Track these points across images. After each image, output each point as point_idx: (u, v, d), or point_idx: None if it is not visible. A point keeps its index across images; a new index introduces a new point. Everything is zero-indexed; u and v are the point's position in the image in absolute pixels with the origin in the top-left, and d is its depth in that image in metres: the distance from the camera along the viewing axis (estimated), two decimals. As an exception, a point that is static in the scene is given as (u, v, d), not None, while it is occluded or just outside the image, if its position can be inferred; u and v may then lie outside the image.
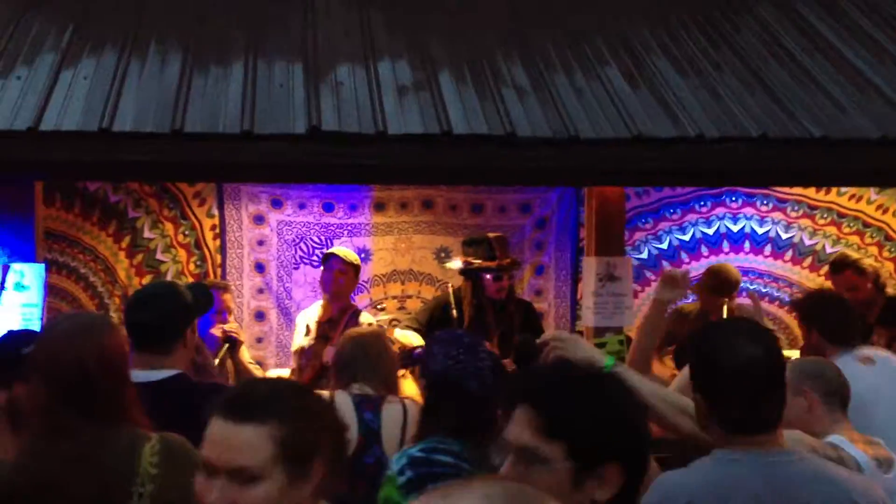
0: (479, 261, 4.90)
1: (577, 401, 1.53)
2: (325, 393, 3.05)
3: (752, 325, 2.17)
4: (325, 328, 4.86)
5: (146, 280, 5.42)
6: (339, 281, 4.90)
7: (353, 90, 4.22)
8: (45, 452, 2.16)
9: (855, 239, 5.99)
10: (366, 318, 4.90)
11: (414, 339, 4.60)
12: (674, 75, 4.54)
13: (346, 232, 5.75)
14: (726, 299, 4.77)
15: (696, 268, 6.01)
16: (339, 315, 4.87)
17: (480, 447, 2.41)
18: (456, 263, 5.07)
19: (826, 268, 5.98)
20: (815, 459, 2.12)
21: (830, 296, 4.15)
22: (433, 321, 4.86)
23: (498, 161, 4.04)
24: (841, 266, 4.97)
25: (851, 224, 6.02)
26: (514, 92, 4.32)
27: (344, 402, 3.02)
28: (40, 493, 2.10)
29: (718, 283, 4.96)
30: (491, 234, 5.07)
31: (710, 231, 6.04)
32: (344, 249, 5.14)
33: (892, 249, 6.02)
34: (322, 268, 5.06)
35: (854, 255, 5.19)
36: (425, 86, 4.30)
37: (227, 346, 4.47)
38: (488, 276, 4.88)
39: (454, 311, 4.93)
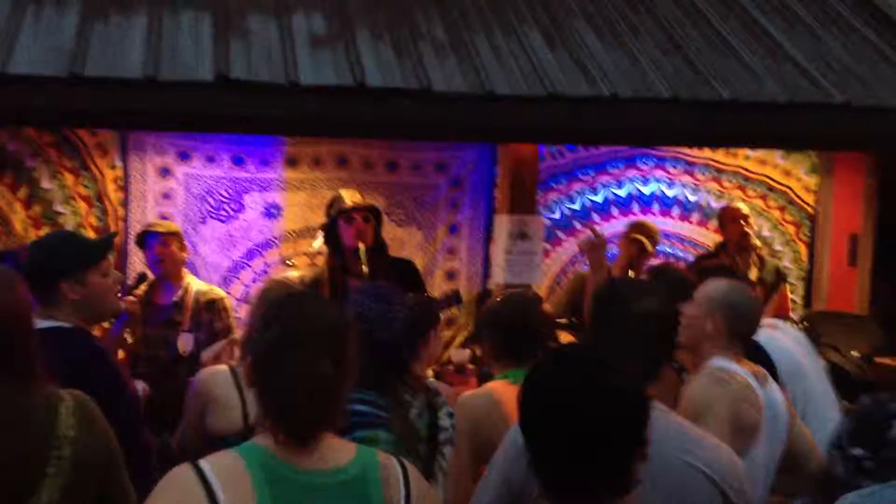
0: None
1: None
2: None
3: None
4: (172, 313, 4.57)
5: (43, 232, 5.19)
6: (166, 256, 4.56)
7: (265, 40, 4.09)
8: None
9: (759, 203, 6.15)
10: (218, 292, 4.71)
11: None
12: (592, 37, 4.54)
13: (256, 187, 5.61)
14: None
15: (607, 228, 6.09)
16: (182, 295, 4.59)
17: (395, 393, 2.48)
18: (318, 241, 4.68)
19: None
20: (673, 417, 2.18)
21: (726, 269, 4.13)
22: None
23: (412, 116, 3.99)
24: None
25: (757, 188, 6.17)
26: (431, 48, 4.25)
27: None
28: None
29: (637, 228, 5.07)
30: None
31: (622, 193, 6.11)
32: (159, 221, 4.86)
33: (794, 213, 6.20)
34: (142, 250, 4.71)
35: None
36: (340, 38, 4.20)
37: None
38: (343, 225, 4.38)
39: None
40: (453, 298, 4.92)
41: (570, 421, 1.54)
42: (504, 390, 2.75)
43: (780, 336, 3.54)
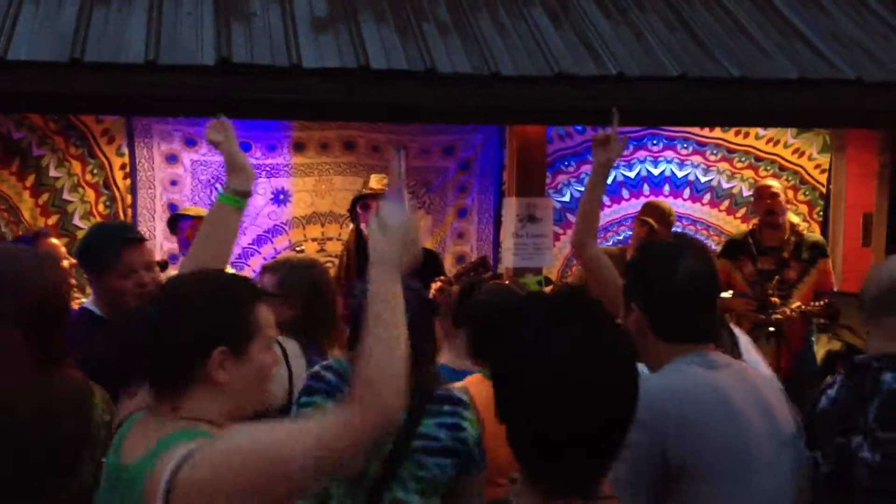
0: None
1: None
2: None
3: (689, 243, 2.18)
4: None
5: (52, 220, 5.19)
6: None
7: (267, 22, 4.05)
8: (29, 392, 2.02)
9: (771, 182, 6.07)
10: None
11: None
12: (598, 15, 4.48)
13: (264, 173, 5.59)
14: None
15: (617, 210, 6.04)
16: None
17: None
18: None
19: (743, 211, 6.08)
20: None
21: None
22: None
23: (417, 98, 3.94)
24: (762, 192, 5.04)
25: (768, 167, 6.10)
26: (435, 28, 4.20)
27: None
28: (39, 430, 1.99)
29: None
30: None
31: (632, 174, 6.06)
32: (194, 207, 4.86)
33: (807, 192, 6.13)
34: (174, 233, 4.72)
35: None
36: (342, 21, 4.15)
37: None
38: (360, 210, 4.55)
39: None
40: (480, 266, 4.90)
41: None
42: (482, 386, 2.53)
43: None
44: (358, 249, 4.55)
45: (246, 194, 2.27)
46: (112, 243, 2.73)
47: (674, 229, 5.64)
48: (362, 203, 4.53)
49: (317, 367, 2.44)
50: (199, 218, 4.63)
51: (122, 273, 2.71)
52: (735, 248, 4.96)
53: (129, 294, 2.71)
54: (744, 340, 2.73)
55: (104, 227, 3.40)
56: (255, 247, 5.61)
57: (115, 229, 3.14)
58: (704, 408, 1.95)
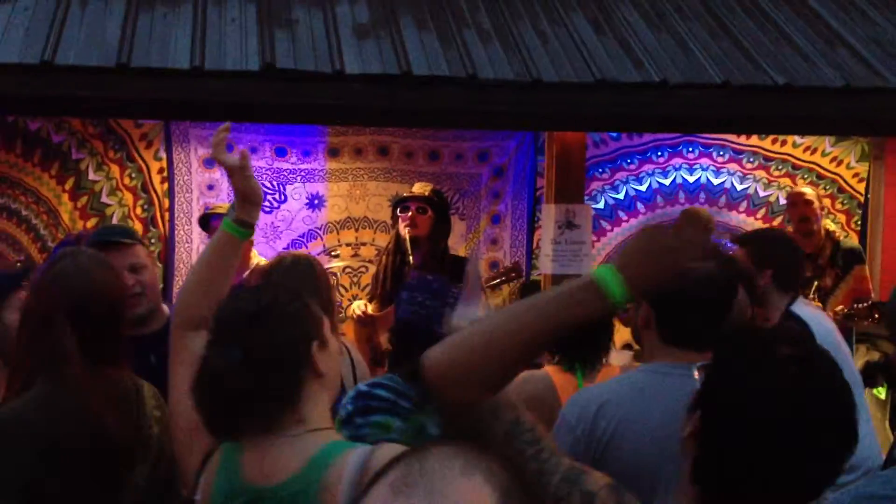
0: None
1: None
2: None
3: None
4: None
5: (91, 223, 5.23)
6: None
7: (309, 28, 4.07)
8: (83, 390, 2.05)
9: (805, 189, 6.02)
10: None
11: None
12: (639, 22, 4.46)
13: (299, 178, 5.61)
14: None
15: (652, 218, 6.00)
16: (248, 276, 4.40)
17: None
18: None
19: (779, 219, 6.03)
20: None
21: (784, 237, 3.83)
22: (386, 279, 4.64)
23: (459, 104, 3.95)
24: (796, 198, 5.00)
25: (805, 176, 6.05)
26: (476, 35, 4.21)
27: None
28: (85, 433, 2.03)
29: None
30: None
31: (667, 182, 6.02)
32: (225, 204, 4.73)
33: (845, 202, 6.07)
34: (206, 231, 4.71)
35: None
36: (384, 26, 4.17)
37: None
38: (399, 214, 4.55)
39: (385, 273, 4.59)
40: (512, 272, 4.90)
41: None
42: (559, 376, 2.73)
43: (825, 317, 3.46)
44: (396, 252, 4.56)
45: (250, 226, 2.08)
46: (92, 246, 2.67)
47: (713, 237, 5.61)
48: (402, 206, 4.56)
49: (365, 387, 2.42)
50: None
51: None
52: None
53: None
54: None
55: (87, 233, 3.41)
56: (290, 251, 5.63)
57: (98, 232, 3.15)
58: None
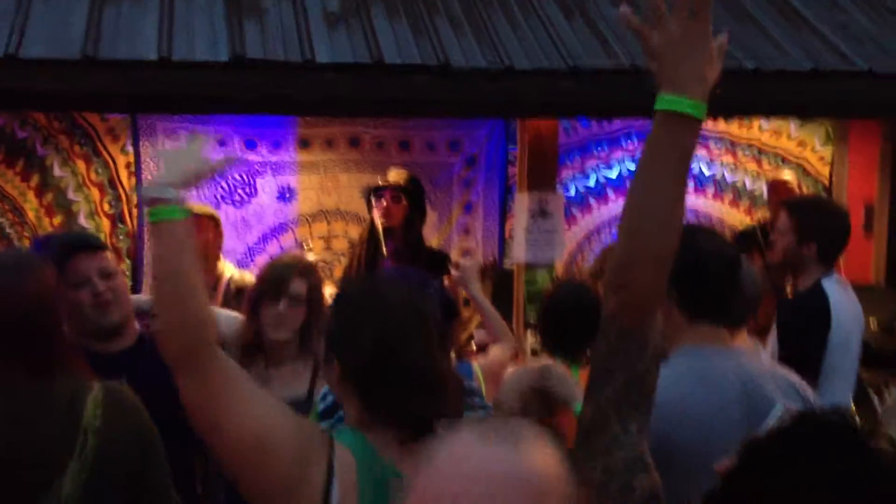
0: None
1: None
2: None
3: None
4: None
5: (56, 220, 5.14)
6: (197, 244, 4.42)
7: (279, 18, 4.03)
8: None
9: (787, 178, 6.09)
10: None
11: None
12: (610, 8, 4.47)
13: (269, 170, 5.55)
14: None
15: (613, 210, 6.03)
16: (213, 284, 4.40)
17: None
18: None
19: (746, 204, 6.10)
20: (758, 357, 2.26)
21: (833, 209, 3.68)
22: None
23: (431, 92, 3.93)
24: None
25: (772, 160, 6.11)
26: (447, 23, 4.19)
27: None
28: None
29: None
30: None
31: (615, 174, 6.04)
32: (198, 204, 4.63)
33: (811, 185, 6.14)
34: None
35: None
36: (355, 15, 4.14)
37: None
38: (374, 202, 4.48)
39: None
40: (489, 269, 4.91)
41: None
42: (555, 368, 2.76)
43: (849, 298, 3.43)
44: (369, 241, 4.52)
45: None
46: (59, 253, 2.54)
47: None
48: (376, 194, 4.50)
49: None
50: (200, 215, 4.56)
51: (74, 283, 2.55)
52: (744, 241, 4.96)
53: (85, 305, 2.57)
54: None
55: (55, 238, 3.28)
56: (260, 245, 5.58)
57: (65, 238, 3.05)
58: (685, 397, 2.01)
